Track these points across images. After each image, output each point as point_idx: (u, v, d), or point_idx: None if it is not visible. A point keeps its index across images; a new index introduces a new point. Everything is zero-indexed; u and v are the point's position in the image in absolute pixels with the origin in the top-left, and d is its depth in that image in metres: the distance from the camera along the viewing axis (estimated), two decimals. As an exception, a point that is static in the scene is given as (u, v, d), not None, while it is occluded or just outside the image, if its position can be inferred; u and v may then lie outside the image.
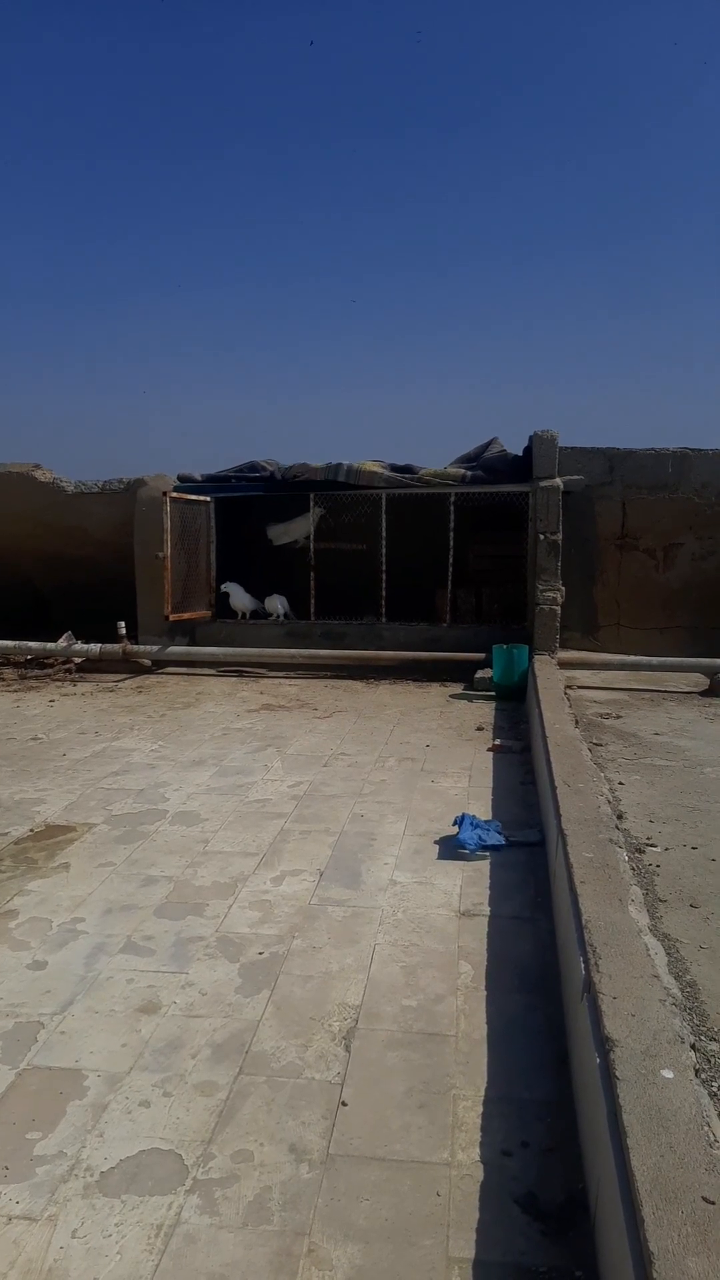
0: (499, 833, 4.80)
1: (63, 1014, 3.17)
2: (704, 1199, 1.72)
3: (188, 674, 10.61)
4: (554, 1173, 2.37)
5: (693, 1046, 2.37)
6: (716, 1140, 1.91)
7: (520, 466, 10.54)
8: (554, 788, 4.54)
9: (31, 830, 5.10)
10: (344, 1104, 2.67)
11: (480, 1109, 2.64)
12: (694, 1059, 2.29)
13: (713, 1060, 2.47)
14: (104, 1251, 2.11)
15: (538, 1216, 2.21)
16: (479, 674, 9.61)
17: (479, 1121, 2.58)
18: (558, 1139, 2.51)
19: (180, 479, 11.35)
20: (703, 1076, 2.33)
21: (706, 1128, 1.94)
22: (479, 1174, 2.37)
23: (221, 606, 11.30)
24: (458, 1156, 2.44)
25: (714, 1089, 2.30)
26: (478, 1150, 2.46)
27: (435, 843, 4.84)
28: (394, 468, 10.90)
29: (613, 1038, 2.28)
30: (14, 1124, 2.57)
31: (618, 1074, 2.13)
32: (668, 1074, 2.13)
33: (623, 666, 9.69)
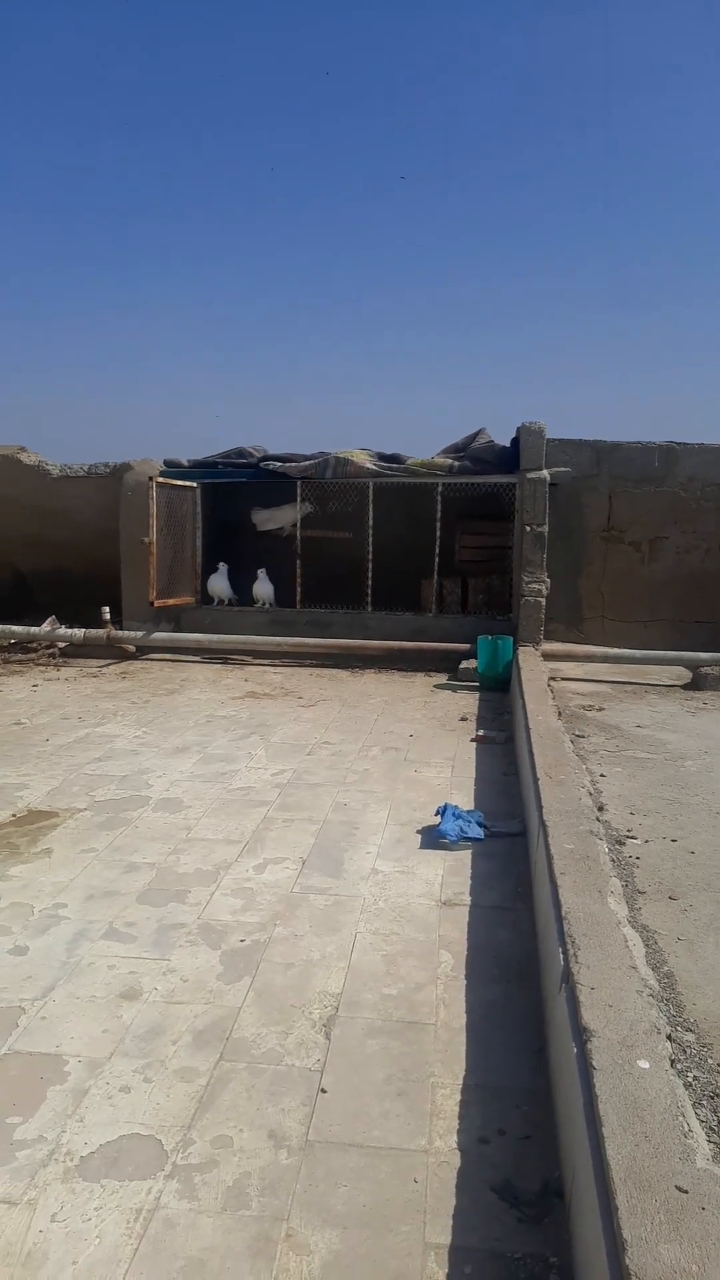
0: (480, 824, 4.83)
1: (44, 999, 3.18)
2: (678, 1188, 1.75)
3: (172, 660, 10.58)
4: (530, 1160, 2.40)
5: (669, 1037, 2.40)
6: (691, 1130, 1.94)
7: (507, 458, 10.55)
8: (536, 779, 4.57)
9: (13, 815, 5.08)
10: (323, 1091, 2.69)
11: (458, 1097, 2.67)
12: (670, 1049, 2.32)
13: (689, 1051, 2.50)
14: (84, 1235, 2.12)
15: (514, 1203, 2.24)
16: (463, 664, 9.64)
17: (457, 1109, 2.61)
18: (534, 1127, 2.54)
19: (167, 464, 11.29)
20: (678, 1067, 2.35)
21: (681, 1117, 1.97)
22: (456, 1161, 2.40)
23: (208, 593, 11.28)
24: (435, 1144, 2.47)
25: (689, 1079, 2.33)
26: (455, 1138, 2.49)
27: (417, 832, 4.87)
28: (381, 457, 10.88)
29: (590, 1028, 2.31)
30: (-6, 1109, 2.57)
31: (594, 1064, 2.16)
32: (644, 1064, 2.16)
33: (606, 659, 9.73)
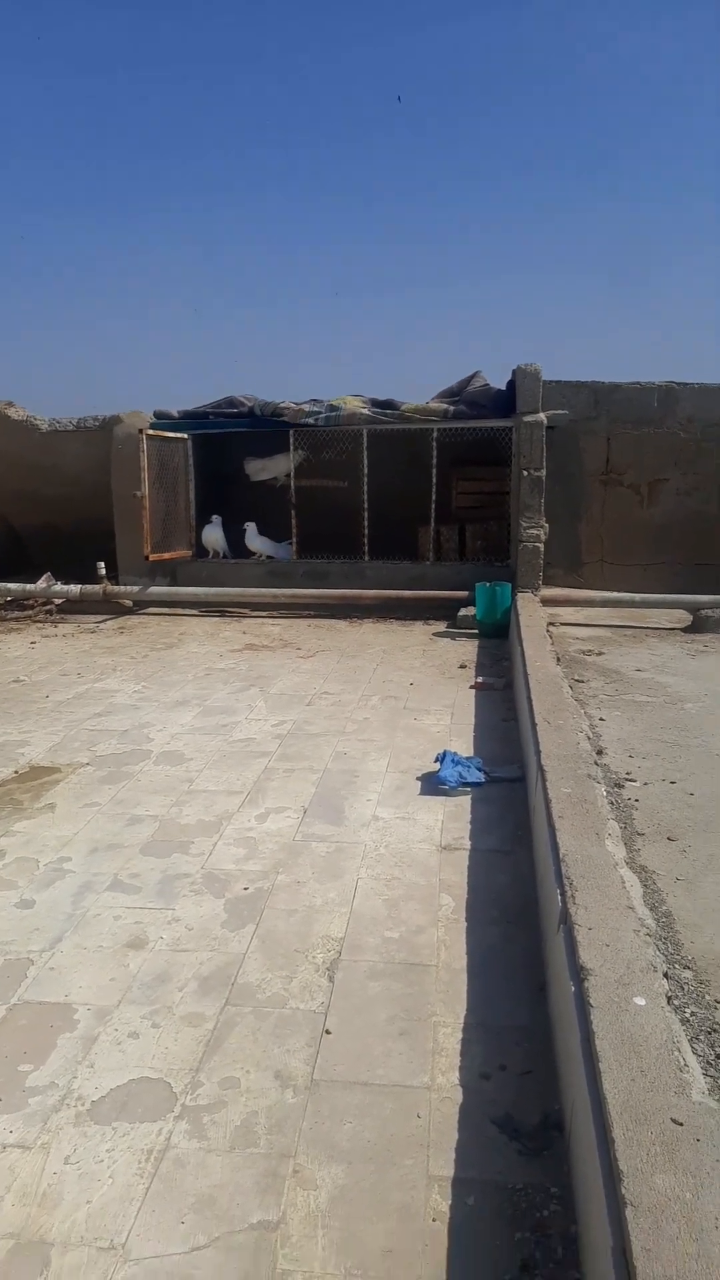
0: (480, 769, 4.87)
1: (51, 951, 3.23)
2: (673, 1120, 1.79)
3: (170, 614, 10.57)
4: (530, 1095, 2.46)
5: (665, 975, 2.44)
6: (687, 1065, 1.98)
7: (503, 401, 10.40)
8: (534, 724, 4.59)
9: (16, 772, 5.12)
10: (328, 1032, 2.74)
11: (460, 1035, 2.72)
12: (667, 987, 2.36)
13: (686, 988, 2.54)
14: (96, 1176, 2.18)
15: (514, 1136, 2.30)
16: (462, 612, 9.63)
17: (458, 1047, 2.67)
18: (534, 1063, 2.59)
19: (157, 415, 11.14)
20: (675, 1004, 2.40)
21: (677, 1053, 2.01)
22: (458, 1097, 2.46)
23: (203, 546, 11.22)
24: (437, 1080, 2.52)
25: (686, 1015, 2.37)
26: (457, 1074, 2.55)
27: (417, 779, 4.91)
28: (375, 403, 10.74)
29: (587, 967, 2.35)
30: (6, 1057, 2.63)
31: (591, 1001, 2.19)
32: (640, 1001, 2.19)
33: (606, 603, 9.72)
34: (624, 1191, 1.62)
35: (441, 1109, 2.41)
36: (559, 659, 6.86)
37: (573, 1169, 2.12)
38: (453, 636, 9.22)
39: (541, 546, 9.98)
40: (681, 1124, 1.78)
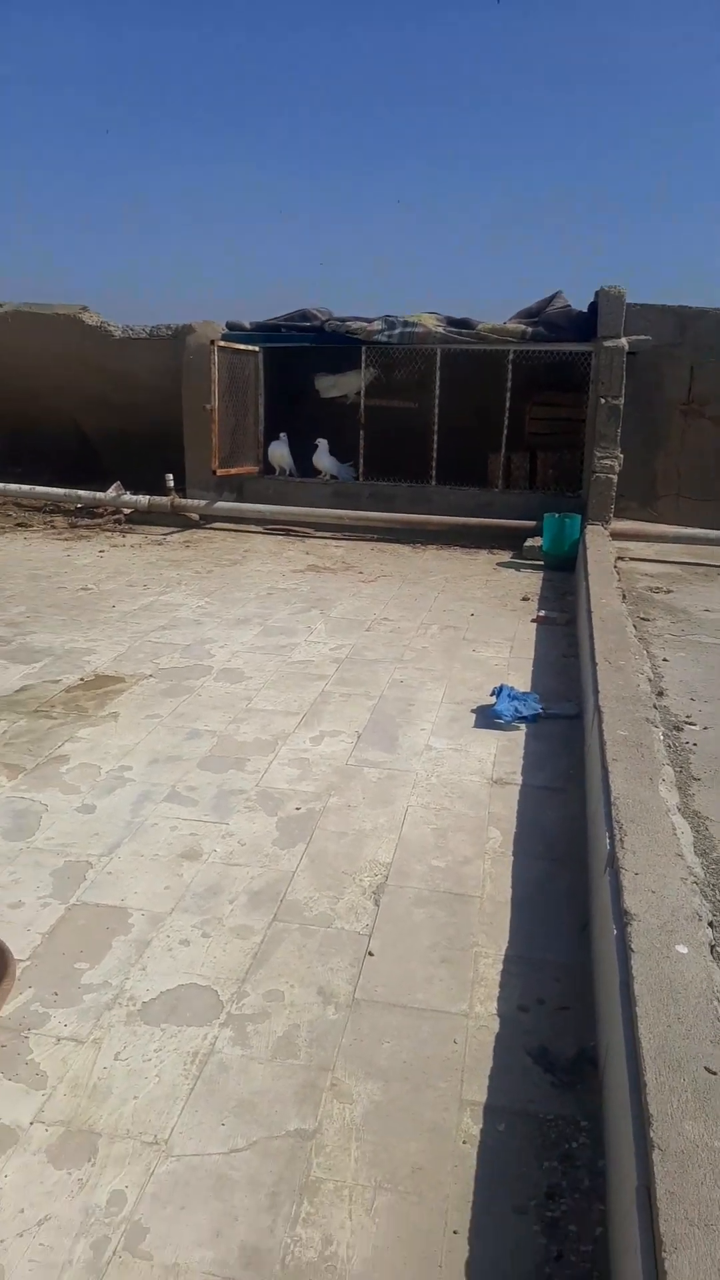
0: (536, 704, 4.84)
1: (109, 856, 3.35)
2: (707, 1069, 1.81)
3: (235, 530, 10.60)
4: (567, 1029, 2.51)
5: (710, 924, 2.44)
6: (725, 1015, 1.99)
7: (584, 324, 9.99)
8: (594, 663, 4.53)
9: (82, 679, 5.25)
10: (371, 954, 2.82)
11: (500, 966, 2.77)
12: (711, 936, 2.36)
13: (730, 936, 2.54)
14: (144, 1074, 2.30)
15: (548, 1068, 2.35)
16: (528, 542, 9.46)
17: (498, 978, 2.72)
18: (573, 999, 2.63)
19: (229, 327, 10.98)
20: (718, 953, 2.40)
21: (716, 1003, 2.02)
22: (495, 1026, 2.51)
23: (269, 462, 11.15)
24: (475, 1009, 2.58)
25: (728, 964, 2.37)
26: (495, 1004, 2.60)
27: (472, 711, 4.90)
28: (451, 321, 10.41)
29: (631, 911, 2.35)
30: (63, 954, 2.76)
31: (633, 946, 2.20)
32: (682, 949, 2.20)
33: (678, 539, 9.46)
34: (653, 1135, 1.65)
35: (478, 1036, 2.47)
36: (625, 596, 6.72)
37: (604, 1106, 2.16)
38: (517, 568, 9.09)
39: (615, 478, 9.69)
40: (715, 1073, 1.80)
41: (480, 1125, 2.16)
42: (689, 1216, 1.49)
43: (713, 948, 2.31)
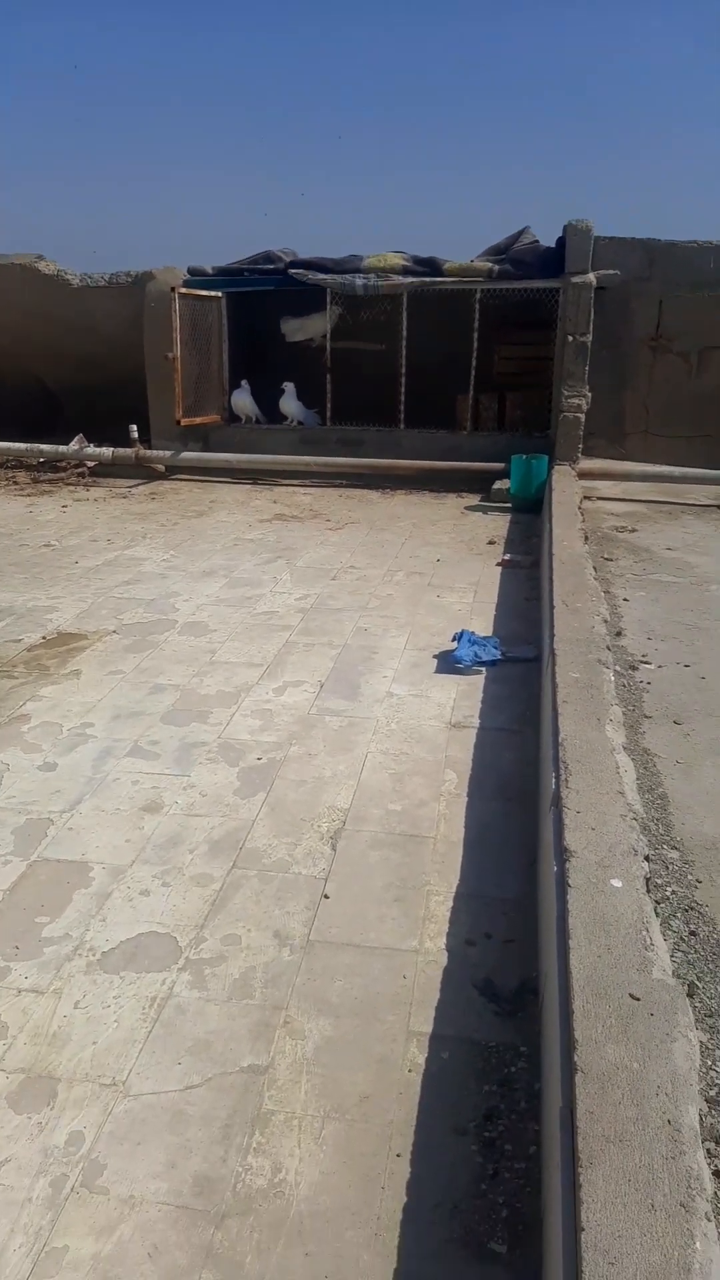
0: (495, 648, 4.90)
1: (71, 812, 3.40)
2: (631, 995, 1.89)
3: (201, 481, 10.51)
4: (511, 962, 2.60)
5: (647, 858, 2.52)
6: (653, 944, 2.07)
7: (552, 260, 9.83)
8: (552, 606, 4.57)
9: (44, 638, 5.26)
10: (326, 897, 2.90)
11: (450, 904, 2.86)
12: (647, 869, 2.44)
13: (671, 867, 2.63)
14: (103, 1020, 2.38)
15: (492, 999, 2.44)
16: (496, 485, 9.44)
17: (448, 915, 2.81)
18: (518, 933, 2.73)
19: (191, 272, 10.74)
20: (656, 883, 2.49)
21: (645, 933, 2.10)
22: (443, 960, 2.61)
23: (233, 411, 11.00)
24: (425, 945, 2.67)
25: (666, 894, 2.46)
26: (444, 940, 2.69)
27: (434, 657, 4.96)
28: (416, 260, 10.21)
29: (570, 848, 2.43)
30: (24, 909, 2.83)
31: (570, 882, 2.28)
32: (616, 883, 2.28)
33: (644, 477, 9.45)
34: (576, 1059, 1.74)
35: (427, 971, 2.56)
36: (588, 536, 6.75)
37: (541, 1033, 2.26)
38: (485, 511, 9.08)
39: (583, 417, 9.63)
40: (639, 999, 1.88)
41: (425, 1054, 2.26)
42: (605, 1134, 1.58)
43: (647, 880, 2.40)
